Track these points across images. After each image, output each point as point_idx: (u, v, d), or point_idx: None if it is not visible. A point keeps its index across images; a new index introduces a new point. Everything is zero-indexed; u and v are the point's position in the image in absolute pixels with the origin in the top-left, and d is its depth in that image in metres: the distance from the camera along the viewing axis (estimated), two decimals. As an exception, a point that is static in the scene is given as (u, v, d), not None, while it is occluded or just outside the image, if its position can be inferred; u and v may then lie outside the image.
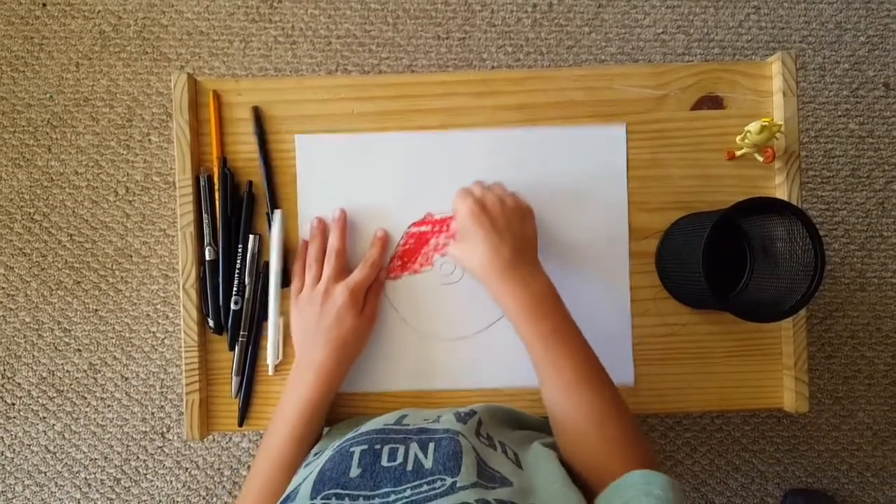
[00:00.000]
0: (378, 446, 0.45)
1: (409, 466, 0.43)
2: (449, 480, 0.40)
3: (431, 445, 0.45)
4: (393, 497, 0.39)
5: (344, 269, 0.61)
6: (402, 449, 0.45)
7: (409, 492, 0.39)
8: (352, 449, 0.45)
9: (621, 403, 0.52)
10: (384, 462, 0.43)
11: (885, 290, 1.25)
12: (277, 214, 0.63)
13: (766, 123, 0.58)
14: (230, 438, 1.27)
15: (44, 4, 1.29)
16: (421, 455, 0.44)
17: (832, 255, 1.26)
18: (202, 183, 0.63)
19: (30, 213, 1.28)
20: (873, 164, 1.26)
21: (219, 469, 1.27)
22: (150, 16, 1.29)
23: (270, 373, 0.63)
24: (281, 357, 0.63)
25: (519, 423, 0.59)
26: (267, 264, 0.63)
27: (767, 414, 1.26)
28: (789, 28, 1.28)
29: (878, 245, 1.26)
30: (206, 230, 0.63)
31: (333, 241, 0.62)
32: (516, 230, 0.57)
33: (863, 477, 1.26)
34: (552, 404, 0.52)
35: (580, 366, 0.52)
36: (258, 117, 0.64)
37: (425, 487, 0.40)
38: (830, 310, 1.26)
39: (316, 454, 0.53)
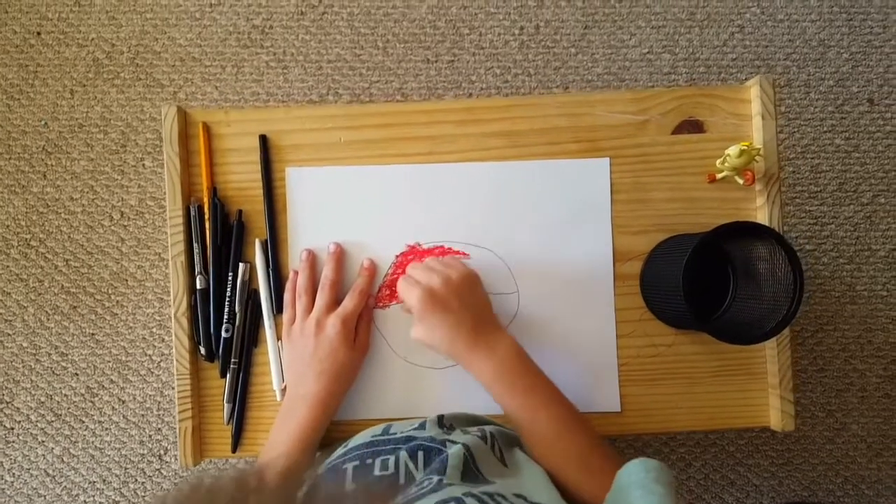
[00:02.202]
0: (370, 460, 0.47)
1: (402, 479, 0.44)
2: (436, 478, 0.42)
3: (420, 454, 0.47)
4: None
5: (336, 301, 0.62)
6: (392, 459, 0.47)
7: (399, 497, 0.41)
8: (345, 466, 0.47)
9: (594, 434, 0.55)
10: (377, 472, 0.45)
11: (875, 302, 1.26)
12: (258, 244, 0.64)
13: (745, 147, 0.59)
14: (227, 461, 1.27)
15: (38, 33, 1.31)
16: (411, 465, 0.46)
17: (821, 269, 1.27)
18: (192, 213, 0.64)
19: (26, 239, 1.29)
20: (860, 178, 1.28)
21: (215, 491, 1.27)
22: (143, 43, 1.31)
23: (278, 398, 0.64)
24: (284, 382, 0.64)
25: (482, 423, 0.60)
26: (257, 292, 0.64)
27: (762, 428, 1.26)
28: (773, 46, 1.30)
29: (867, 258, 1.27)
30: (197, 259, 0.64)
31: (328, 273, 0.63)
32: (469, 302, 0.58)
33: (858, 489, 1.26)
34: (540, 454, 0.54)
35: (558, 418, 0.54)
36: (265, 145, 0.65)
37: (414, 490, 0.41)
38: (821, 323, 1.26)
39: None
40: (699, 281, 0.55)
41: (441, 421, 0.55)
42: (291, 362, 0.62)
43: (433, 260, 0.62)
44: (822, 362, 1.26)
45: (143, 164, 1.29)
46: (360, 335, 0.62)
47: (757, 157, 0.62)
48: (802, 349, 1.26)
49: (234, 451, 0.64)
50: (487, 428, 0.53)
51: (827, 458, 1.26)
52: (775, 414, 0.64)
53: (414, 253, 0.65)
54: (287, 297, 0.63)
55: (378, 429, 0.54)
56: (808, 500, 1.26)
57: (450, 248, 0.65)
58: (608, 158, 0.66)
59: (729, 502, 1.26)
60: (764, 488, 1.26)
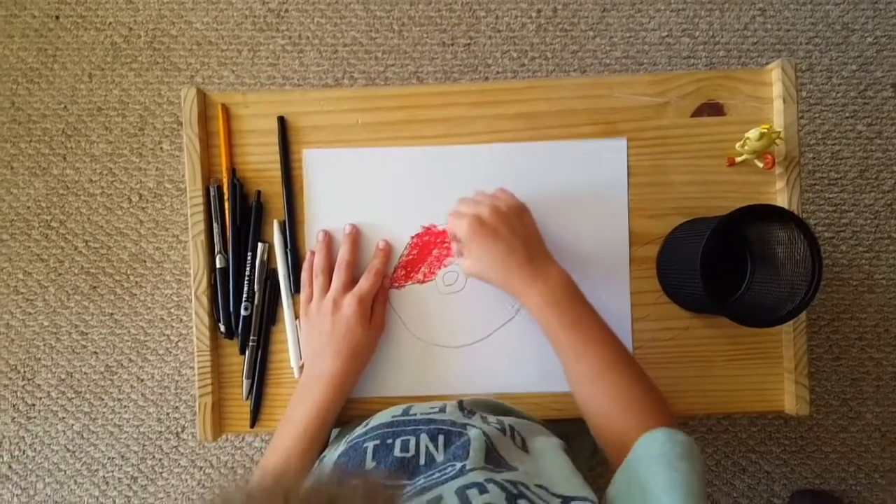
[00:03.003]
0: (390, 440, 0.47)
1: (422, 461, 0.44)
2: (458, 465, 0.41)
3: (441, 438, 0.47)
4: (408, 488, 0.40)
5: (352, 281, 0.63)
6: (412, 441, 0.47)
7: (422, 480, 0.41)
8: (365, 444, 0.47)
9: (646, 383, 0.53)
10: (397, 452, 0.45)
11: (894, 291, 1.25)
12: (276, 224, 0.65)
13: (766, 130, 0.59)
14: (243, 438, 1.30)
15: (57, 17, 1.33)
16: (432, 447, 0.46)
17: (840, 257, 1.26)
18: (212, 193, 0.65)
19: (47, 221, 1.31)
20: (881, 165, 1.26)
21: (232, 468, 1.29)
22: (161, 27, 1.32)
23: (295, 375, 0.65)
24: (302, 361, 0.65)
25: (501, 410, 0.60)
26: (275, 271, 0.65)
27: (774, 415, 1.26)
28: (795, 30, 1.27)
29: (887, 247, 1.26)
30: (217, 239, 0.65)
31: (344, 254, 0.64)
32: (519, 230, 0.57)
33: (871, 478, 1.26)
34: (580, 393, 0.54)
35: (604, 353, 0.53)
36: (283, 126, 0.66)
37: (437, 474, 0.41)
38: (838, 311, 1.25)
39: (322, 459, 0.55)
40: (717, 265, 0.55)
41: (461, 405, 0.55)
42: (308, 341, 0.63)
43: (481, 193, 0.62)
44: (837, 350, 1.25)
45: (161, 147, 1.31)
46: (375, 314, 0.63)
47: (777, 141, 0.61)
48: (818, 337, 1.25)
49: (252, 426, 0.66)
50: (506, 420, 0.52)
51: (840, 447, 1.26)
52: (790, 398, 0.64)
53: (429, 234, 0.65)
54: (304, 276, 0.64)
55: (398, 409, 0.55)
56: (820, 488, 1.26)
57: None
58: (625, 139, 0.65)
59: (740, 489, 1.27)
60: (776, 475, 1.26)
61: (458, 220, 0.58)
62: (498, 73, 1.29)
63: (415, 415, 0.52)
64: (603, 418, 0.52)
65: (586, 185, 0.65)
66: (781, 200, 0.64)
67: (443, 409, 0.53)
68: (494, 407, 0.60)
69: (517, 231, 0.57)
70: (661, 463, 0.39)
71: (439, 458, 0.44)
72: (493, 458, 0.44)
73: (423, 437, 0.47)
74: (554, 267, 0.57)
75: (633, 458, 0.42)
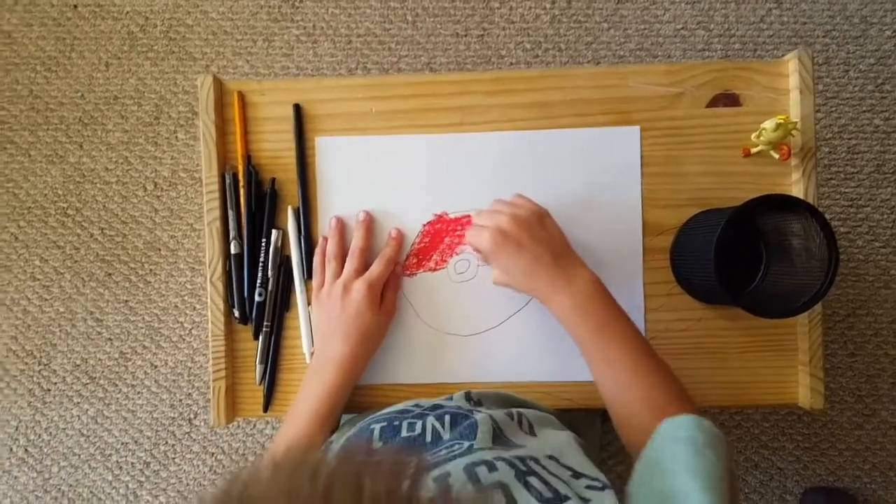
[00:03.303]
0: (397, 422, 0.48)
1: (429, 438, 0.45)
2: (466, 444, 0.42)
3: (447, 418, 0.47)
4: None
5: (364, 268, 0.63)
6: (419, 423, 0.47)
7: (428, 457, 0.41)
8: (372, 426, 0.48)
9: (676, 386, 0.52)
10: (404, 433, 0.46)
11: (911, 287, 1.24)
12: (290, 211, 0.65)
13: (782, 121, 0.58)
14: (254, 425, 1.31)
15: (75, 6, 1.34)
16: (438, 426, 0.46)
17: (856, 253, 1.24)
18: (227, 180, 0.65)
19: (63, 208, 1.33)
20: (899, 159, 1.24)
21: (244, 454, 1.31)
22: (176, 16, 1.33)
23: (308, 361, 0.66)
24: (314, 346, 0.65)
25: (511, 403, 0.60)
26: (289, 258, 0.66)
27: (787, 411, 1.25)
28: (812, 23, 1.26)
29: (904, 242, 1.24)
30: (232, 225, 0.66)
31: (357, 241, 0.64)
32: (542, 235, 0.57)
33: (886, 476, 1.25)
34: (610, 398, 0.53)
35: (631, 358, 0.53)
36: (298, 114, 0.66)
37: (444, 451, 0.41)
38: (854, 307, 1.24)
39: (330, 443, 0.55)
40: (731, 256, 0.55)
41: (469, 395, 0.55)
42: (319, 325, 0.63)
43: (499, 202, 0.61)
44: (853, 347, 1.24)
45: (176, 136, 1.32)
46: (386, 300, 0.63)
47: (793, 132, 0.61)
48: (833, 333, 1.24)
49: (265, 410, 0.66)
50: (515, 410, 0.52)
51: (855, 444, 1.25)
52: (804, 391, 0.64)
53: (441, 222, 0.65)
54: (316, 262, 0.65)
55: (407, 403, 0.55)
56: (833, 486, 1.25)
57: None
58: (638, 127, 0.65)
59: (752, 484, 1.26)
60: (788, 472, 1.25)
61: (480, 232, 0.57)
62: (511, 64, 1.29)
63: (423, 405, 0.53)
64: (633, 422, 0.51)
65: (599, 173, 0.65)
66: (797, 191, 0.64)
67: (450, 398, 0.54)
68: (504, 400, 0.60)
69: (540, 238, 0.56)
70: (686, 444, 0.38)
71: (446, 435, 0.45)
72: (500, 440, 0.44)
73: (430, 419, 0.47)
74: (581, 270, 0.56)
75: (658, 437, 0.41)
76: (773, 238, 0.62)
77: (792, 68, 0.64)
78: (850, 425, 1.25)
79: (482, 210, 0.62)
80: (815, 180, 0.63)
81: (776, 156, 0.63)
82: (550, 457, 0.40)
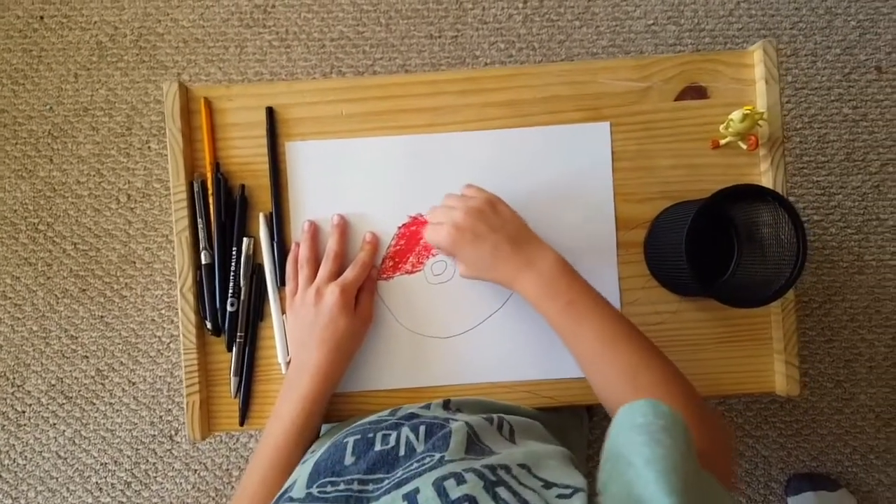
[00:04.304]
0: (371, 435, 0.47)
1: (402, 451, 0.44)
2: (437, 455, 0.41)
3: (422, 429, 0.46)
4: (386, 482, 0.40)
5: (339, 272, 0.62)
6: (393, 434, 0.46)
7: (400, 472, 0.40)
8: (345, 440, 0.47)
9: (651, 351, 0.52)
10: (377, 447, 0.45)
11: (884, 272, 1.26)
12: (262, 217, 0.65)
13: (748, 111, 0.59)
14: (237, 440, 1.29)
15: (41, 17, 1.31)
16: (412, 438, 0.45)
17: (829, 240, 1.26)
18: (196, 188, 0.64)
19: (34, 224, 1.30)
20: (868, 147, 1.26)
21: (227, 470, 1.29)
22: (146, 25, 1.31)
23: (283, 371, 0.65)
24: (289, 356, 0.64)
25: (494, 410, 0.60)
26: (261, 266, 0.65)
27: (770, 399, 1.26)
28: (779, 15, 1.28)
29: (875, 228, 1.26)
30: (202, 235, 0.64)
31: (332, 245, 0.63)
32: (497, 223, 0.57)
33: (866, 459, 1.27)
34: (587, 373, 0.53)
35: (602, 330, 0.53)
36: (272, 117, 0.65)
37: (415, 465, 0.41)
38: (829, 294, 1.26)
39: (313, 452, 0.54)
40: (704, 247, 0.55)
41: (447, 404, 0.55)
42: (293, 332, 0.62)
43: (450, 196, 0.61)
44: (829, 333, 1.26)
45: (149, 147, 1.30)
46: (361, 304, 0.62)
47: (760, 122, 0.61)
48: (810, 320, 1.26)
49: (241, 423, 0.65)
50: (496, 415, 0.52)
51: (835, 429, 1.26)
52: (780, 379, 0.64)
53: (417, 223, 0.65)
54: (289, 269, 0.64)
55: (385, 411, 0.54)
56: (817, 471, 1.27)
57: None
58: (608, 123, 0.65)
59: (738, 473, 1.27)
60: (773, 459, 1.27)
61: (437, 230, 0.58)
62: (486, 64, 1.29)
63: (400, 413, 0.52)
64: (610, 392, 0.51)
65: (571, 169, 0.65)
66: (767, 181, 0.64)
67: (427, 406, 0.54)
68: (486, 406, 0.59)
69: (496, 225, 0.57)
70: (642, 433, 0.36)
71: (420, 448, 0.44)
72: (474, 448, 0.43)
73: (405, 430, 0.47)
74: (543, 250, 0.56)
75: (614, 427, 0.39)
76: (745, 229, 0.63)
77: (757, 59, 0.64)
78: (831, 410, 1.26)
79: (435, 207, 0.62)
80: (783, 169, 0.64)
81: (744, 146, 0.63)
82: (523, 465, 0.39)
